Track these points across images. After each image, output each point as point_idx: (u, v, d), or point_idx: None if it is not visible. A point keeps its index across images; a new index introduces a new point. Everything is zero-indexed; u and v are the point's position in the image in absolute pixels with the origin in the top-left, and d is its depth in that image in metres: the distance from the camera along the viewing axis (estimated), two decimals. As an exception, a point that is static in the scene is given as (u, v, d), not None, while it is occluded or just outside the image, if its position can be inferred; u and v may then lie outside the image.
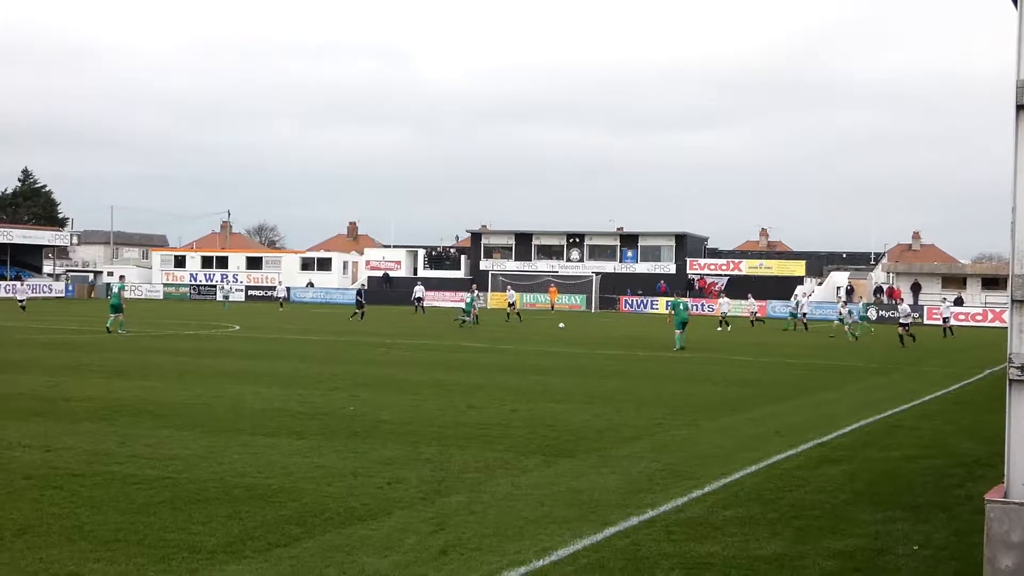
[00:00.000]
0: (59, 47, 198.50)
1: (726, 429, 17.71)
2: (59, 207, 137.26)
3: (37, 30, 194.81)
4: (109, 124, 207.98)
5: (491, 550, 9.53)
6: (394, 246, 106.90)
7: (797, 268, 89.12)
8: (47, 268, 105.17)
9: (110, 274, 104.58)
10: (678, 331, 38.05)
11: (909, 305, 57.79)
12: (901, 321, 46.15)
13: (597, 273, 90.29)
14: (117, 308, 40.67)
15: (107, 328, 40.32)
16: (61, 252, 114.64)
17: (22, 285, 73.24)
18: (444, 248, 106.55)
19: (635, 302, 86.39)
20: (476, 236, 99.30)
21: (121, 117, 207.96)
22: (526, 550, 9.54)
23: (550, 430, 16.80)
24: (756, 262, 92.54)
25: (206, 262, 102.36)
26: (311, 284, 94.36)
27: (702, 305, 79.63)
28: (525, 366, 29.25)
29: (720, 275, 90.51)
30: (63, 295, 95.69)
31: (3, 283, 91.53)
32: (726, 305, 58.04)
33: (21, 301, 63.73)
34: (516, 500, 11.61)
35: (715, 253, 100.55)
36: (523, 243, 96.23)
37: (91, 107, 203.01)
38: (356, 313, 57.80)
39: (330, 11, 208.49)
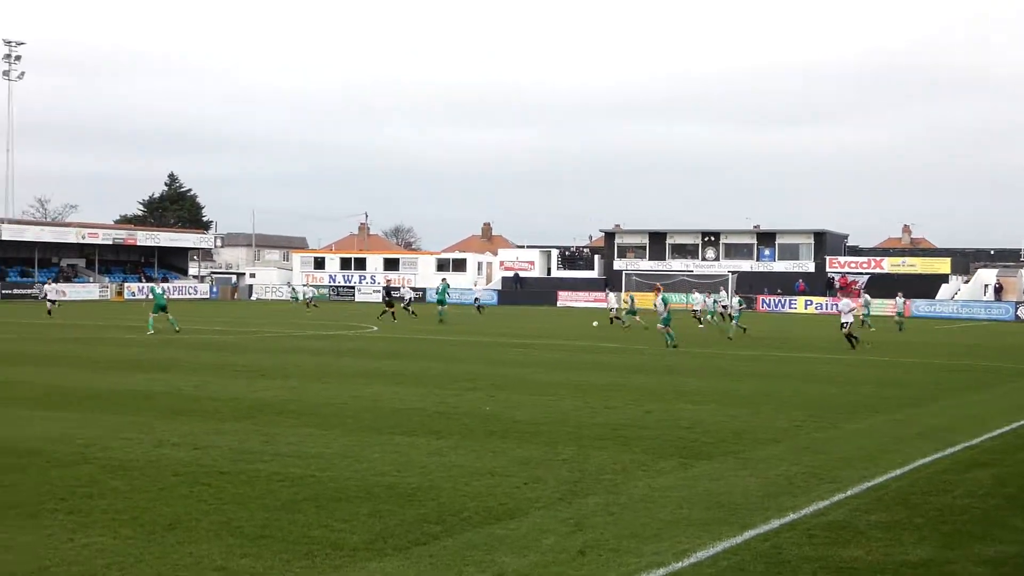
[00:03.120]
0: (203, 53, 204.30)
1: (868, 431, 17.33)
2: (203, 210, 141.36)
3: (180, 39, 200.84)
4: (250, 128, 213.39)
5: (629, 551, 9.50)
6: (527, 246, 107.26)
7: (942, 266, 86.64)
8: (192, 270, 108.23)
9: (252, 276, 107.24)
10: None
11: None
12: None
13: (733, 272, 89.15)
14: (163, 308, 41.85)
15: (149, 331, 40.58)
16: (206, 254, 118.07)
17: (50, 284, 62.08)
18: (577, 248, 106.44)
19: (773, 301, 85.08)
20: (609, 236, 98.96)
21: (262, 121, 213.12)
22: (665, 552, 9.49)
23: (686, 431, 16.67)
24: (899, 260, 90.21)
25: (344, 263, 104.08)
26: (444, 281, 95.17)
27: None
28: (659, 367, 29.07)
29: (861, 273, 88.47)
30: (207, 296, 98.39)
31: (150, 284, 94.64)
32: (848, 307, 53.75)
33: (53, 302, 56.38)
34: (653, 502, 11.55)
35: (855, 251, 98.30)
36: (657, 242, 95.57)
37: (234, 112, 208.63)
38: (386, 312, 55.52)
39: (463, 15, 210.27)
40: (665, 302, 38.16)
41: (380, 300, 58.06)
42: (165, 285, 45.77)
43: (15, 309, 65.52)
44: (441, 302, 56.62)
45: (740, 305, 44.80)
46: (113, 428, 16.04)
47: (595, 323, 52.33)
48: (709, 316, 52.11)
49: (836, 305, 68.93)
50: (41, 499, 11.10)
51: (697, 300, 56.81)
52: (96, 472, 12.59)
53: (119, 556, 9.04)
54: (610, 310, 54.00)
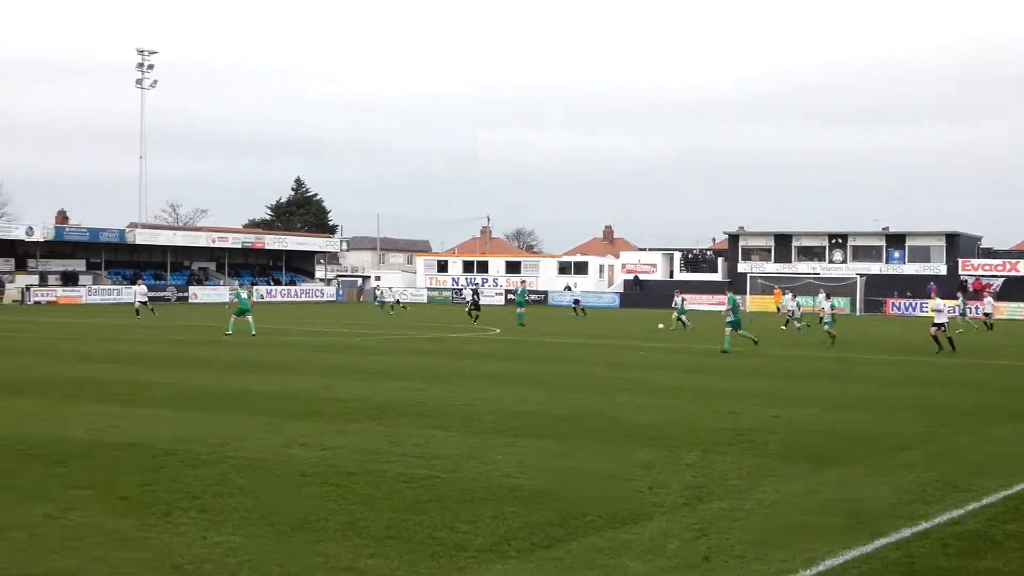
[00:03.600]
0: (330, 61, 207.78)
1: (1005, 438, 16.83)
2: (329, 214, 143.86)
3: (308, 48, 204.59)
4: (374, 133, 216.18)
5: (756, 558, 9.36)
6: (649, 249, 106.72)
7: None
8: (319, 273, 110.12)
9: (377, 279, 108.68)
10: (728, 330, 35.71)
11: None
12: None
13: (861, 275, 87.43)
14: (246, 311, 42.41)
15: (228, 332, 41.25)
16: (332, 258, 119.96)
17: (139, 285, 61.80)
18: (700, 250, 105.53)
19: (903, 304, 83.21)
20: (733, 238, 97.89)
21: (384, 127, 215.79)
22: (792, 559, 9.32)
23: (815, 436, 16.38)
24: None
25: (467, 266, 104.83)
26: (568, 287, 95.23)
27: (976, 308, 75.84)
28: (787, 371, 28.63)
29: (996, 276, 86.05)
30: (334, 299, 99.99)
31: (278, 288, 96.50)
32: (939, 307, 48.68)
33: (143, 302, 56.77)
34: (781, 507, 11.37)
35: (990, 253, 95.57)
36: (782, 244, 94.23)
37: (356, 117, 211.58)
38: (472, 314, 56.22)
39: (581, 17, 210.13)
40: (733, 303, 36.44)
41: (470, 302, 58.33)
42: (247, 290, 46.32)
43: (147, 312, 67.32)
44: (520, 304, 56.23)
45: (832, 308, 42.61)
46: (243, 428, 16.38)
47: (660, 326, 51.63)
48: (795, 320, 50.74)
49: (923, 305, 67.39)
50: (175, 497, 11.39)
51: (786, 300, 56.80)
52: (227, 471, 12.88)
53: (250, 555, 9.22)
54: (788, 312, 53.14)
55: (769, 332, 47.01)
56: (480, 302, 59.46)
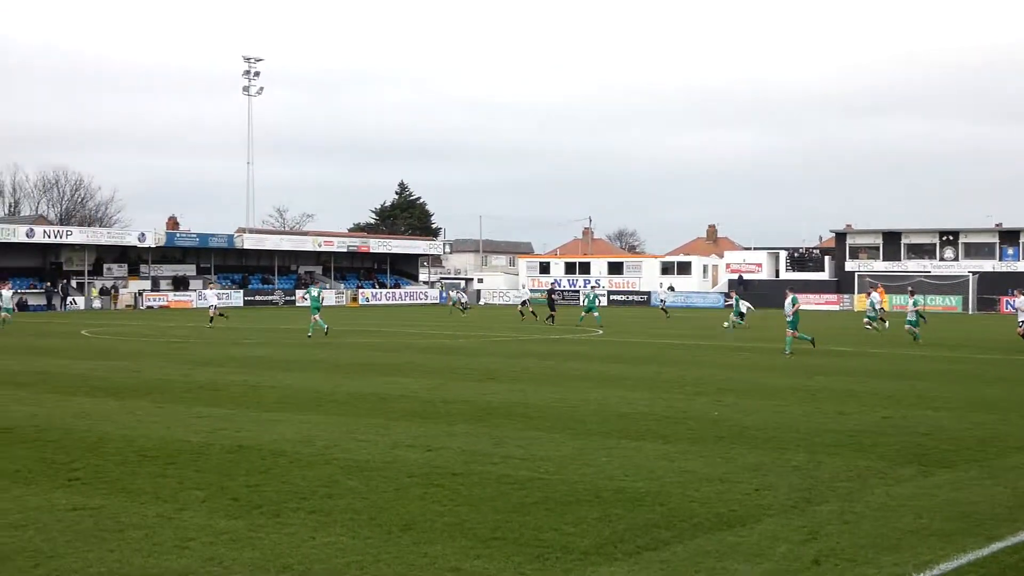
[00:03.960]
0: (424, 65, 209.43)
1: (1126, 440, 16.27)
2: (432, 217, 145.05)
3: (399, 51, 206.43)
4: (475, 136, 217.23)
5: (867, 562, 9.21)
6: (754, 248, 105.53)
7: None
8: (423, 276, 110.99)
9: (480, 281, 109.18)
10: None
11: None
12: None
13: (974, 272, 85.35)
14: (318, 311, 43.27)
15: (314, 333, 42.06)
16: (435, 260, 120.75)
17: (210, 289, 59.83)
18: (807, 249, 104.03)
19: (1012, 303, 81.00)
20: (840, 236, 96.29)
21: (485, 128, 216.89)
22: (904, 563, 9.16)
23: (926, 438, 16.04)
24: None
25: (569, 268, 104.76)
26: (671, 288, 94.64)
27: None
28: (896, 371, 28.08)
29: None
30: (437, 302, 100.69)
31: (383, 290, 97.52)
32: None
33: (216, 306, 53.56)
34: (892, 511, 11.16)
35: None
36: (891, 242, 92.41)
37: (458, 120, 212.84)
38: (550, 316, 55.68)
39: (676, 17, 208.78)
40: (794, 303, 34.91)
41: (546, 302, 58.30)
42: (317, 288, 47.00)
43: (256, 314, 68.60)
44: (589, 309, 55.87)
45: (915, 306, 40.60)
46: (351, 430, 16.59)
47: (725, 324, 50.63)
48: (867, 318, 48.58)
49: (1012, 304, 65.05)
50: (284, 498, 11.57)
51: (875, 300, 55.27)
52: (335, 473, 13.05)
53: (358, 555, 9.33)
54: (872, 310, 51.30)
55: (867, 332, 46.11)
56: (556, 302, 59.34)
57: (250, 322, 57.52)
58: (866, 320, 48.86)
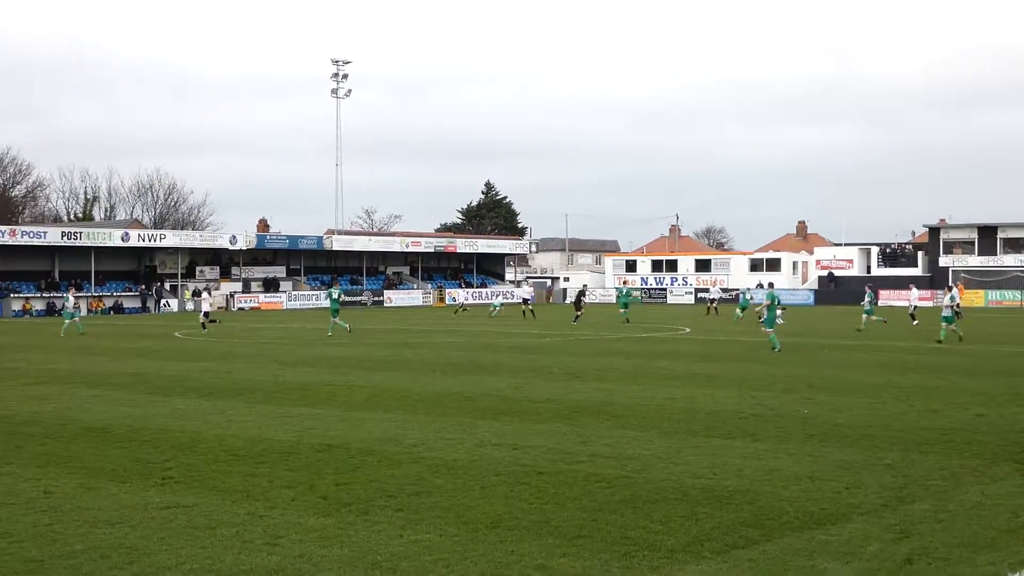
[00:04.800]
0: (511, 65, 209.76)
1: None
2: (518, 217, 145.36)
3: (487, 52, 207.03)
4: (560, 136, 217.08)
5: (961, 561, 9.04)
6: (845, 244, 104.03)
7: None
8: (509, 275, 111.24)
9: (566, 279, 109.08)
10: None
11: None
12: None
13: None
14: (336, 312, 43.71)
15: (329, 333, 42.54)
16: (521, 260, 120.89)
17: (205, 294, 53.74)
18: (900, 245, 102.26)
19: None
20: (934, 231, 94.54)
21: (571, 129, 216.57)
22: (1000, 562, 8.97)
23: (1023, 436, 15.68)
24: None
25: (656, 265, 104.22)
26: (761, 285, 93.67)
27: None
28: (992, 368, 27.48)
29: None
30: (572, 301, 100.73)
31: (469, 290, 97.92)
32: None
33: (207, 314, 49.59)
34: (987, 509, 10.93)
35: None
36: (987, 237, 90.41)
37: (544, 120, 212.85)
38: (576, 316, 55.33)
39: (773, 12, 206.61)
40: (772, 299, 34.74)
41: (573, 303, 57.91)
42: (336, 290, 47.30)
43: (347, 315, 69.23)
44: (625, 305, 57.05)
45: (952, 302, 38.93)
46: (438, 429, 16.69)
47: (859, 328, 49.34)
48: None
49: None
50: (372, 496, 11.68)
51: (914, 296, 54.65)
52: (423, 471, 13.13)
53: (445, 553, 9.38)
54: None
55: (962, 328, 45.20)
56: (584, 302, 59.18)
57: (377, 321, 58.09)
58: (910, 313, 48.95)
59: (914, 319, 50.43)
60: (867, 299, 47.37)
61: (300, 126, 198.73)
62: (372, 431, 16.49)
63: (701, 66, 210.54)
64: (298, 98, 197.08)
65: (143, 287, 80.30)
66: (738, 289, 62.23)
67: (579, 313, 55.92)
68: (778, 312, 50.04)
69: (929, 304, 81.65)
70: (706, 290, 79.70)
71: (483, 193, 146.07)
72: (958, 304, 40.29)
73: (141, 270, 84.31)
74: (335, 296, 45.37)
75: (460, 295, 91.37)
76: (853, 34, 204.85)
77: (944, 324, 37.67)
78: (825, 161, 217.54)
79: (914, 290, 56.35)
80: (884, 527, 10.22)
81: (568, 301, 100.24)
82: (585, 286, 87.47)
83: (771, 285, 40.06)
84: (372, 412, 18.87)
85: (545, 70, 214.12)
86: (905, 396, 20.85)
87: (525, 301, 62.57)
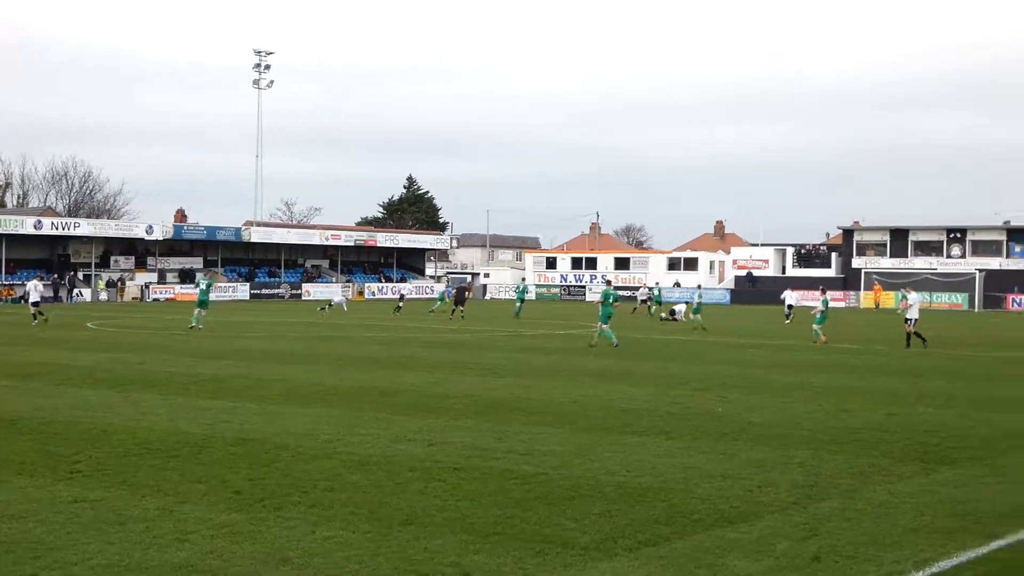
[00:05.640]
0: (438, 59, 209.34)
1: None
2: (440, 212, 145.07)
3: (412, 45, 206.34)
4: (482, 130, 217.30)
5: (867, 559, 9.21)
6: (762, 244, 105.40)
7: None
8: (429, 270, 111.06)
9: (486, 276, 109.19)
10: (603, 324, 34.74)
11: None
12: None
13: (981, 270, 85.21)
14: (204, 304, 42.91)
15: (191, 327, 41.54)
16: (442, 255, 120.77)
17: (35, 282, 48.28)
18: (814, 246, 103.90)
19: (1022, 300, 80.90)
20: (848, 233, 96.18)
21: (495, 123, 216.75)
22: (904, 560, 9.15)
23: (929, 436, 16.02)
24: None
25: (576, 263, 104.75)
26: (678, 284, 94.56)
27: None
28: (900, 368, 28.04)
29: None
30: (451, 296, 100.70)
31: (388, 284, 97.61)
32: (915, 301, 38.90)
33: (36, 303, 45.54)
34: (893, 508, 11.15)
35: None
36: (898, 239, 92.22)
37: (466, 115, 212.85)
38: (455, 309, 55.36)
39: (700, 11, 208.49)
40: (606, 297, 35.20)
41: (453, 298, 58.36)
42: (207, 280, 46.41)
43: (264, 308, 68.70)
44: (519, 300, 59.68)
45: (824, 305, 38.66)
46: (354, 424, 16.60)
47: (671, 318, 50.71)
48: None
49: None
50: (286, 491, 11.59)
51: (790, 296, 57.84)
52: (338, 467, 13.06)
53: (357, 549, 9.34)
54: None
55: (876, 329, 46.06)
56: (468, 297, 60.37)
57: (256, 315, 57.59)
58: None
59: (787, 318, 54.13)
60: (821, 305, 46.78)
61: (221, 116, 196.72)
62: (287, 425, 16.36)
63: (624, 65, 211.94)
64: (219, 88, 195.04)
65: (55, 276, 78.78)
66: (651, 288, 63.58)
67: (460, 308, 55.48)
68: (678, 310, 51.06)
69: (843, 304, 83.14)
70: (636, 288, 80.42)
71: (405, 187, 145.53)
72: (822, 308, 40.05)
73: (54, 259, 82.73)
74: (204, 287, 44.47)
75: (397, 288, 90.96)
76: (773, 37, 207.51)
77: (816, 326, 38.17)
78: (743, 162, 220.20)
79: (789, 293, 59.03)
80: (793, 525, 10.37)
81: (488, 297, 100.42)
82: (469, 282, 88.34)
83: (608, 283, 40.85)
84: (288, 406, 18.72)
85: (469, 65, 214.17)
86: (817, 396, 21.18)
87: (444, 299, 62.84)
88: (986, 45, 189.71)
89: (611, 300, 35.49)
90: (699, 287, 61.19)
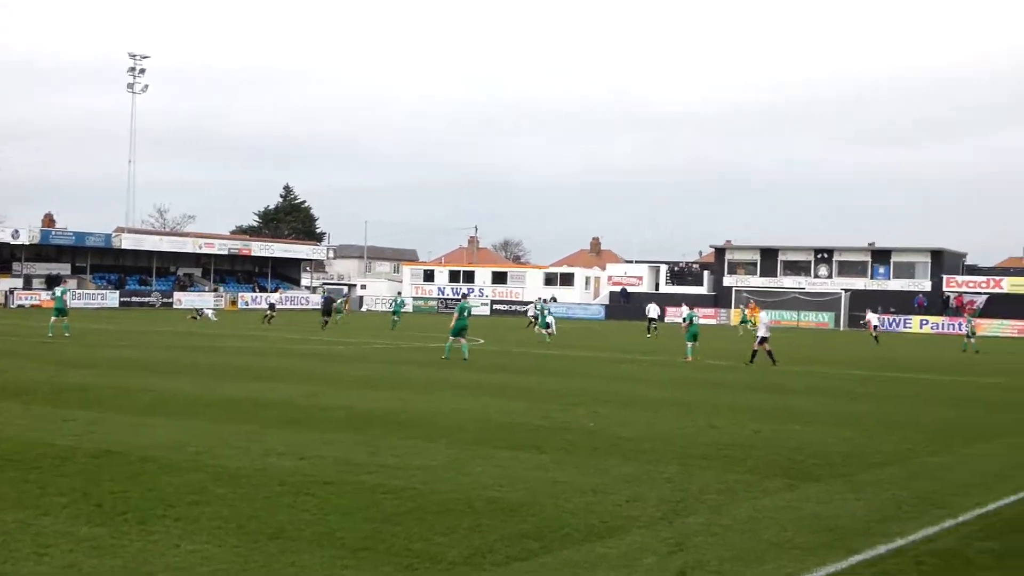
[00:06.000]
0: (316, 66, 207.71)
1: (984, 456, 16.87)
2: (317, 222, 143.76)
3: (293, 51, 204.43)
4: (363, 141, 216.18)
5: (731, 574, 9.37)
6: (636, 261, 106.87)
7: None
8: (304, 281, 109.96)
9: (363, 287, 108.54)
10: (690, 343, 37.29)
11: None
12: None
13: (846, 290, 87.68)
14: (62, 312, 42.57)
15: (49, 336, 41.07)
16: (318, 266, 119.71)
17: None
18: (687, 264, 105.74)
19: (886, 320, 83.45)
20: (720, 251, 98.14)
21: (374, 134, 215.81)
22: (768, 575, 9.33)
23: (794, 452, 16.39)
24: (1020, 279, 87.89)
25: (454, 276, 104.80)
26: (554, 299, 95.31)
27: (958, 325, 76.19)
28: (768, 385, 28.65)
29: (979, 293, 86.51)
30: (319, 307, 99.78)
31: (263, 294, 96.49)
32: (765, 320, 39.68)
33: None
34: (758, 523, 11.37)
35: (974, 270, 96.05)
36: (768, 259, 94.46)
37: (346, 124, 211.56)
38: (324, 321, 57.30)
39: (568, 27, 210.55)
40: (461, 311, 35.78)
41: (320, 310, 59.91)
42: (61, 288, 46.06)
43: (134, 316, 67.25)
44: (395, 313, 60.68)
45: (540, 309, 39.98)
46: (224, 436, 16.32)
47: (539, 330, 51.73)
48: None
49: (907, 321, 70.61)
50: (150, 505, 11.33)
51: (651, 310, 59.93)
52: (205, 480, 12.82)
53: (223, 564, 9.18)
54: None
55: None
56: (335, 308, 61.58)
57: (125, 324, 56.33)
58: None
59: (648, 332, 57.53)
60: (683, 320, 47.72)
61: (93, 119, 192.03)
62: (154, 437, 16.02)
63: (507, 77, 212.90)
64: (91, 91, 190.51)
65: (-86, 280, 76.05)
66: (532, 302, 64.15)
67: (326, 320, 57.19)
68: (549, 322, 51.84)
69: (714, 322, 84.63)
70: (525, 304, 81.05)
71: (282, 196, 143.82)
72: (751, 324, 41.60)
73: (-87, 262, 79.90)
74: (59, 294, 43.71)
75: (274, 297, 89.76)
76: (643, 57, 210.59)
77: (689, 343, 38.89)
78: (619, 179, 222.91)
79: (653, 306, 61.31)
80: (661, 540, 10.51)
81: (365, 308, 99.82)
82: (331, 295, 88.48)
83: (464, 296, 41.88)
84: (155, 417, 18.33)
85: (347, 72, 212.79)
86: (687, 411, 21.52)
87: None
88: (856, 75, 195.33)
89: (466, 313, 35.88)
90: (540, 299, 62.71)
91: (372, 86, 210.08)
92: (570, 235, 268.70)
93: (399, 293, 78.38)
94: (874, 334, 60.59)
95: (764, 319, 37.94)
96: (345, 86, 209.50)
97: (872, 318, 62.52)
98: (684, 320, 39.80)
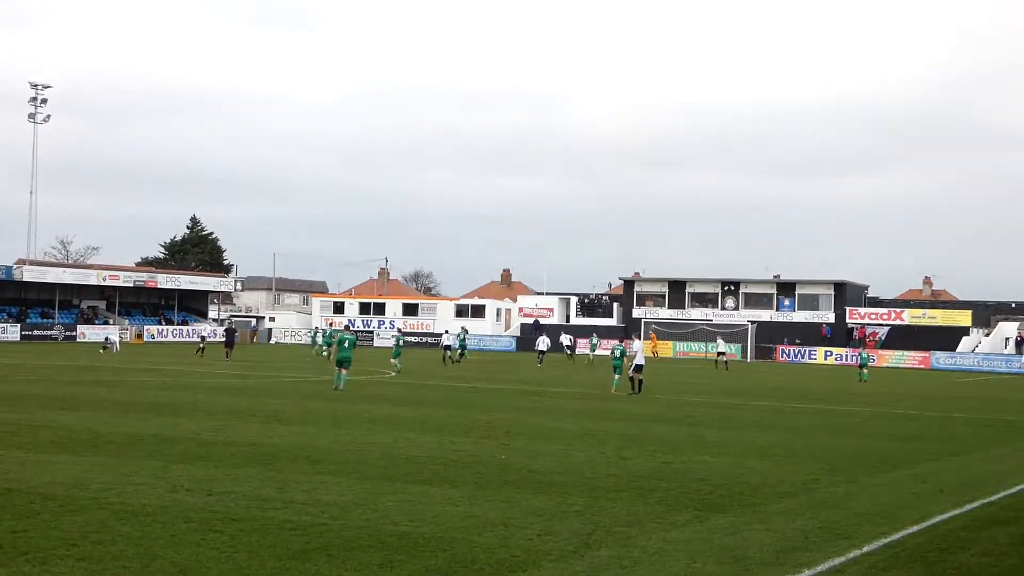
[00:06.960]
0: (223, 97, 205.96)
1: (887, 486, 17.18)
2: (224, 254, 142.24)
3: (198, 81, 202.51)
4: (270, 172, 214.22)
5: (641, 607, 9.41)
6: (547, 293, 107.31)
7: (962, 318, 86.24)
8: (212, 313, 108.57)
9: (272, 319, 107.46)
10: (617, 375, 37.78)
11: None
12: None
13: (753, 322, 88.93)
14: None
15: None
16: (226, 298, 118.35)
17: None
18: (597, 295, 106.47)
19: (792, 352, 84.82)
20: (629, 284, 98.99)
21: (282, 166, 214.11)
22: (677, 608, 9.39)
23: (703, 484, 16.54)
24: (919, 311, 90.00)
25: (364, 308, 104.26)
26: (465, 331, 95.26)
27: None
28: (678, 417, 28.93)
29: (881, 325, 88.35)
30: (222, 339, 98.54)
31: (169, 327, 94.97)
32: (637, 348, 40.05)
33: None
34: (667, 555, 11.45)
35: (876, 302, 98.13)
36: (676, 291, 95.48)
37: (253, 155, 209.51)
38: (228, 352, 59.06)
39: (478, 60, 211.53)
40: (341, 342, 36.54)
41: (223, 341, 61.44)
42: None
43: (36, 350, 65.82)
44: (327, 344, 59.20)
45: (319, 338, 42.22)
46: (129, 473, 16.01)
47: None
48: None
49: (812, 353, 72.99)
50: (52, 545, 11.07)
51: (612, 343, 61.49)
52: (109, 518, 12.56)
53: (128, 604, 9.00)
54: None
55: (663, 377, 47.44)
56: (235, 342, 62.35)
57: (26, 358, 55.06)
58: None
59: (569, 357, 61.95)
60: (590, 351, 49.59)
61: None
62: (56, 474, 15.66)
63: (416, 108, 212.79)
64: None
65: None
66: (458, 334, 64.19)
67: (229, 350, 59.16)
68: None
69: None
70: (440, 334, 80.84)
71: (188, 228, 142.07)
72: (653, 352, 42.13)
73: None
74: None
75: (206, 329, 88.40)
76: (558, 86, 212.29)
77: (617, 375, 39.17)
78: (529, 211, 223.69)
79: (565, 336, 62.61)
80: (572, 573, 10.53)
81: (274, 340, 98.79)
82: (232, 322, 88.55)
83: (347, 328, 43.40)
84: (57, 454, 17.92)
85: (251, 101, 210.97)
86: (599, 443, 21.62)
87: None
88: (755, 105, 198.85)
89: (347, 344, 36.40)
90: (463, 329, 64.18)
91: (280, 116, 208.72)
92: (480, 267, 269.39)
93: (463, 328, 72.61)
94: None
95: (636, 347, 38.39)
96: (252, 116, 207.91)
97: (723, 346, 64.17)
98: (612, 352, 40.10)
